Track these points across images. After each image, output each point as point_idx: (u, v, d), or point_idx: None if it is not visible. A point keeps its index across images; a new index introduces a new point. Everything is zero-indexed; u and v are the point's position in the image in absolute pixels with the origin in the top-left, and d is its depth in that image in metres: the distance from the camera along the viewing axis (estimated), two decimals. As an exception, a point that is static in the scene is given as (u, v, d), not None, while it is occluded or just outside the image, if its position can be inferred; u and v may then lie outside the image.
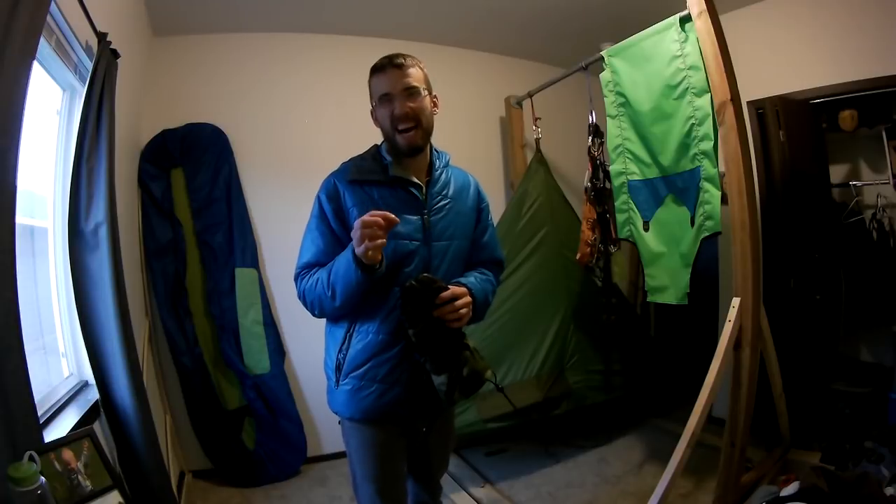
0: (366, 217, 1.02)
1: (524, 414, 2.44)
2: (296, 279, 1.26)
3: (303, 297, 1.24)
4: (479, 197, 1.38)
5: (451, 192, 1.29)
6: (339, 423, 1.31)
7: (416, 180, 1.24)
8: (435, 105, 1.27)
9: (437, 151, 1.33)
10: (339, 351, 1.24)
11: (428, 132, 1.24)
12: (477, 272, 1.32)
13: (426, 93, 1.23)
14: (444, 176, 1.30)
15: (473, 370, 1.17)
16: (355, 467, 1.30)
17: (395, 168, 1.23)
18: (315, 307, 1.22)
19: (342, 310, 1.19)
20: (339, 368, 1.24)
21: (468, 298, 1.17)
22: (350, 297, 1.14)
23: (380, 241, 1.03)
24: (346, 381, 1.23)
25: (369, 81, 1.25)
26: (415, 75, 1.21)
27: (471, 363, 1.17)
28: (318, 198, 1.24)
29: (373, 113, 1.27)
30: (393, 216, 1.03)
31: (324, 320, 1.32)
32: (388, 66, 1.20)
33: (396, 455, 1.30)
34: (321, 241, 1.22)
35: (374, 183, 1.22)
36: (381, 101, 1.22)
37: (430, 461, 1.42)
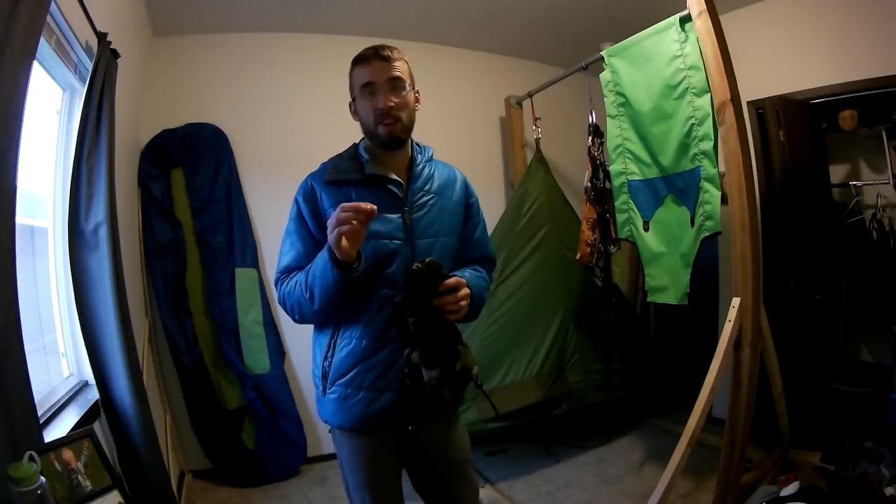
0: (344, 204, 0.97)
1: (524, 414, 2.44)
2: (276, 284, 1.21)
3: (283, 302, 1.18)
4: (468, 192, 1.32)
5: (434, 186, 1.24)
6: (329, 431, 1.28)
7: (394, 177, 1.19)
8: (417, 101, 1.23)
9: (418, 146, 1.27)
10: (325, 358, 1.20)
11: (409, 127, 1.20)
12: (470, 269, 1.28)
13: (410, 87, 1.19)
14: (426, 171, 1.25)
15: (465, 365, 1.13)
16: (347, 476, 1.27)
17: (371, 166, 1.19)
18: (295, 312, 1.17)
19: (322, 313, 1.14)
20: (325, 376, 1.20)
21: (467, 290, 1.12)
22: (329, 300, 1.08)
23: (357, 226, 0.96)
24: (333, 389, 1.19)
25: (351, 72, 1.20)
26: (400, 68, 1.16)
27: (462, 358, 1.13)
28: (296, 200, 1.21)
29: (351, 106, 1.22)
30: (373, 206, 0.96)
31: None
32: (373, 57, 1.15)
33: (389, 463, 1.27)
34: (300, 244, 1.18)
35: (351, 182, 1.18)
36: (363, 91, 1.16)
37: (445, 482, 1.31)
